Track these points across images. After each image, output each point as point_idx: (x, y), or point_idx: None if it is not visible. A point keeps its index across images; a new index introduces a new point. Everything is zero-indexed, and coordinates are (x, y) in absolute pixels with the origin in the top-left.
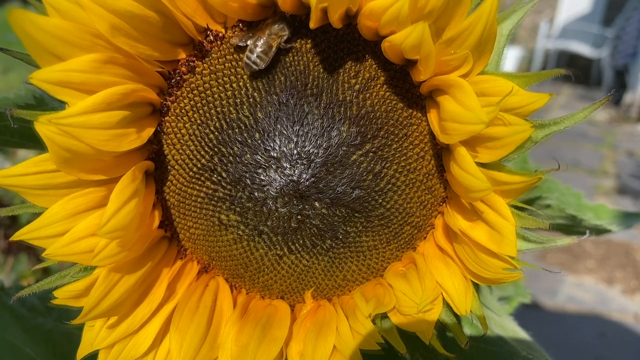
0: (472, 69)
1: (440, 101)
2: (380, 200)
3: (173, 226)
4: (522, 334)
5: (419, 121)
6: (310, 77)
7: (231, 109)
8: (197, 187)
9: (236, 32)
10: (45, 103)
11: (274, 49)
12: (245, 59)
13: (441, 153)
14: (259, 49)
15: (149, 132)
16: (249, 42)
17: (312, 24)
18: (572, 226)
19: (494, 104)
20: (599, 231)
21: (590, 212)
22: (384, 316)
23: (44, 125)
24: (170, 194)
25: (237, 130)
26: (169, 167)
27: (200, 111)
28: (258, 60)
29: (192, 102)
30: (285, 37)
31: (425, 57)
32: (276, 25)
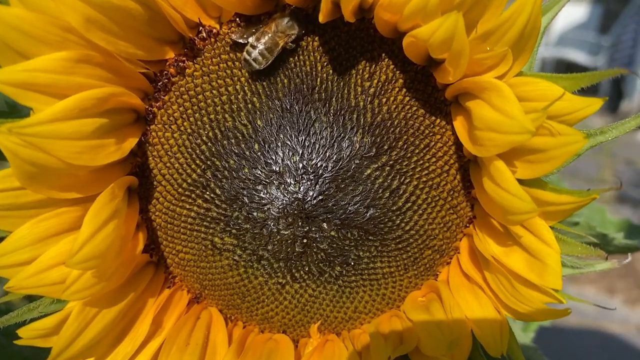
0: (510, 70)
1: (470, 107)
2: (398, 221)
3: (160, 250)
4: None
5: (443, 130)
6: (318, 79)
7: (227, 116)
8: (188, 206)
9: (233, 29)
10: (19, 110)
11: (279, 47)
12: (244, 54)
13: (468, 167)
14: (261, 46)
15: (131, 142)
16: (250, 39)
17: (322, 18)
18: (600, 245)
19: (538, 110)
20: (629, 249)
21: (616, 229)
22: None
23: (4, 136)
24: (157, 213)
25: (233, 140)
26: (155, 182)
27: (191, 119)
28: (259, 58)
29: (181, 109)
30: (293, 36)
31: (456, 55)
32: (284, 21)
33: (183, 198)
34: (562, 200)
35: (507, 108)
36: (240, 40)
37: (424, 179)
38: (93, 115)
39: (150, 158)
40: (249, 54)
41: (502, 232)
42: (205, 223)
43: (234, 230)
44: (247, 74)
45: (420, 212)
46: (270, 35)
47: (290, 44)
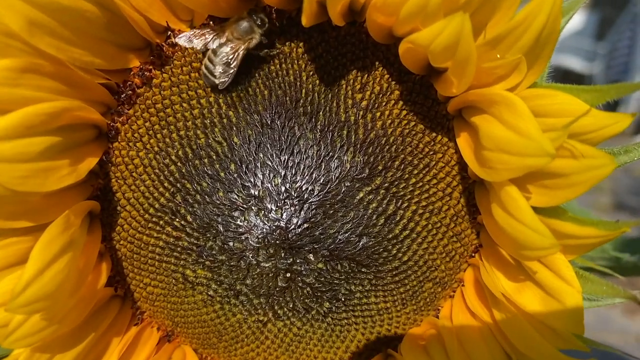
0: (523, 81)
1: (477, 123)
2: (395, 251)
3: (126, 283)
4: None
5: (445, 148)
6: (303, 90)
7: (199, 132)
8: (155, 234)
9: (181, 31)
10: None
11: (239, 56)
12: (202, 68)
13: (473, 189)
14: (220, 57)
15: (89, 163)
16: (200, 43)
17: (305, 21)
18: (613, 269)
19: (557, 128)
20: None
21: (630, 249)
22: None
23: None
24: (121, 242)
25: (206, 160)
26: (118, 207)
27: (159, 135)
28: (219, 71)
29: (147, 124)
30: (254, 42)
31: (461, 64)
32: (241, 25)
33: (150, 225)
34: (586, 234)
35: (521, 125)
36: (187, 45)
37: (424, 204)
38: (42, 133)
39: (114, 180)
40: (207, 68)
41: (512, 265)
42: (175, 253)
43: (207, 262)
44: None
45: (420, 240)
46: (229, 43)
47: (253, 50)
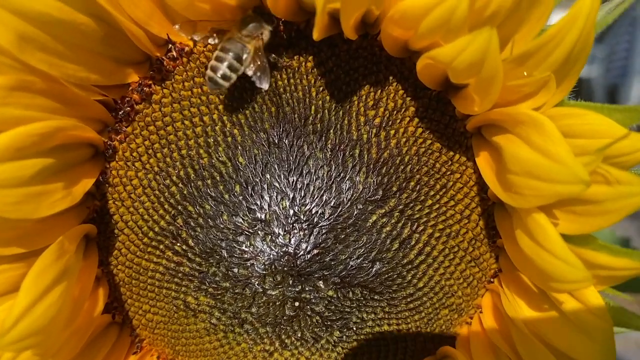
0: (550, 99)
1: (500, 144)
2: (409, 277)
3: (124, 309)
4: None
5: (463, 168)
6: (313, 107)
7: (201, 151)
8: (155, 259)
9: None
10: None
11: (250, 54)
12: (208, 71)
13: (492, 211)
14: (230, 55)
15: (85, 185)
16: (210, 40)
17: (317, 34)
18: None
19: (589, 151)
20: None
21: None
22: None
23: None
24: (119, 267)
25: (209, 181)
26: (116, 230)
27: (159, 154)
28: (227, 72)
29: (147, 142)
30: (265, 39)
31: (485, 82)
32: (248, 23)
33: (150, 249)
34: (619, 265)
35: (551, 149)
36: (195, 37)
37: (441, 227)
38: (34, 154)
39: (111, 201)
40: (214, 69)
41: (536, 293)
42: (176, 279)
43: (210, 289)
44: (226, 101)
45: (436, 265)
46: (237, 41)
47: (273, 56)
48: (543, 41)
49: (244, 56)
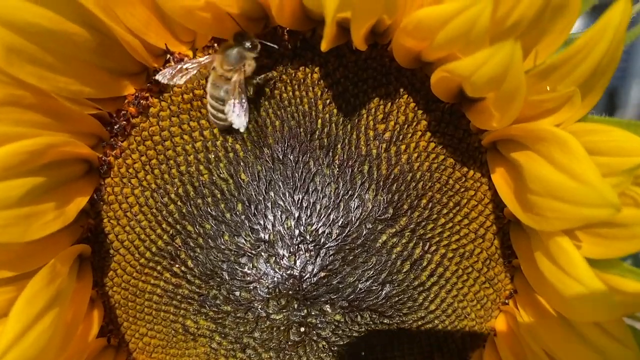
0: (573, 114)
1: (520, 161)
2: (421, 300)
3: (120, 332)
4: None
5: (478, 184)
6: (319, 121)
7: (202, 167)
8: (153, 280)
9: (171, 64)
10: None
11: (241, 87)
12: (208, 114)
13: (508, 229)
14: (218, 104)
15: (78, 204)
16: (178, 80)
17: (325, 45)
18: None
19: (615, 170)
20: None
21: None
22: None
23: None
24: (115, 288)
25: (209, 199)
26: (111, 250)
27: (156, 171)
28: (221, 115)
29: (144, 158)
30: (249, 69)
31: (506, 97)
32: (229, 54)
33: (147, 270)
34: None
35: (576, 169)
36: (169, 82)
37: (454, 246)
38: (23, 174)
39: (106, 220)
40: (210, 112)
41: (554, 315)
42: (174, 302)
43: (211, 313)
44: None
45: (449, 287)
46: (219, 80)
47: (259, 78)
48: (569, 54)
49: (233, 93)
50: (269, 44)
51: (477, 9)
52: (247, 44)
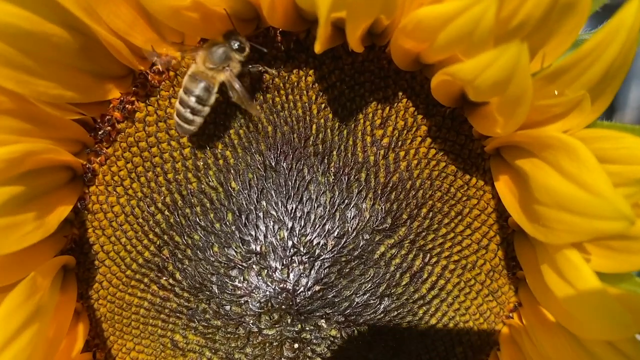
0: (582, 120)
1: (525, 169)
2: (421, 313)
3: (106, 347)
4: None
5: (481, 193)
6: (314, 126)
7: (190, 175)
8: (139, 293)
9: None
10: None
11: (215, 87)
12: (174, 116)
13: (512, 239)
14: (192, 99)
15: (60, 214)
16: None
17: (319, 46)
18: None
19: (628, 180)
20: None
21: None
22: None
23: None
24: (100, 301)
25: (198, 208)
26: (96, 261)
27: (143, 178)
28: (189, 115)
29: (130, 165)
30: (234, 71)
31: (511, 102)
32: (214, 51)
33: (133, 283)
34: None
35: (586, 178)
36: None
37: (456, 258)
38: (1, 183)
39: (90, 229)
40: (178, 113)
41: (560, 329)
42: (162, 316)
43: (200, 327)
44: (217, 120)
45: (450, 300)
46: (197, 75)
47: (253, 67)
48: (579, 56)
49: (206, 96)
50: (258, 46)
51: (481, 7)
52: (235, 44)
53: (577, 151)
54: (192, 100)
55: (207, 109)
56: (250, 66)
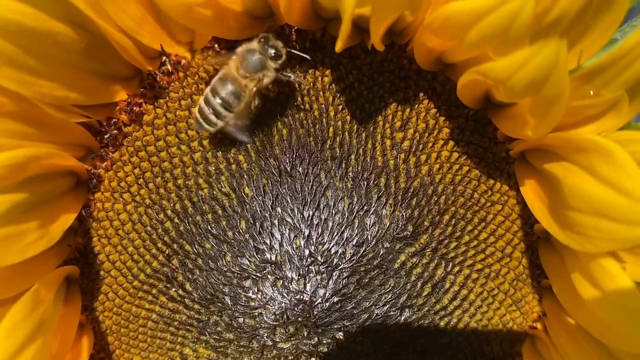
0: (618, 122)
1: (556, 173)
2: (443, 325)
3: None
4: None
5: (505, 198)
6: (331, 129)
7: (201, 180)
8: (147, 305)
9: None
10: None
11: (245, 95)
12: (195, 112)
13: (537, 246)
14: (218, 102)
15: (64, 222)
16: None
17: (340, 44)
18: None
19: None
20: None
21: None
22: None
23: None
24: (106, 313)
25: (210, 216)
26: (102, 272)
27: (151, 185)
28: (213, 118)
29: (137, 170)
30: (266, 80)
31: (546, 102)
32: (250, 59)
33: (140, 294)
34: None
35: (625, 183)
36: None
37: (479, 266)
38: (3, 190)
39: (95, 238)
40: (201, 111)
41: (588, 340)
42: (171, 328)
43: (211, 341)
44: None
45: (473, 310)
46: (229, 80)
47: (267, 89)
48: (617, 55)
49: (235, 103)
50: (299, 53)
51: (518, 2)
52: (272, 52)
53: (613, 154)
54: (217, 102)
55: (231, 116)
56: (282, 73)
